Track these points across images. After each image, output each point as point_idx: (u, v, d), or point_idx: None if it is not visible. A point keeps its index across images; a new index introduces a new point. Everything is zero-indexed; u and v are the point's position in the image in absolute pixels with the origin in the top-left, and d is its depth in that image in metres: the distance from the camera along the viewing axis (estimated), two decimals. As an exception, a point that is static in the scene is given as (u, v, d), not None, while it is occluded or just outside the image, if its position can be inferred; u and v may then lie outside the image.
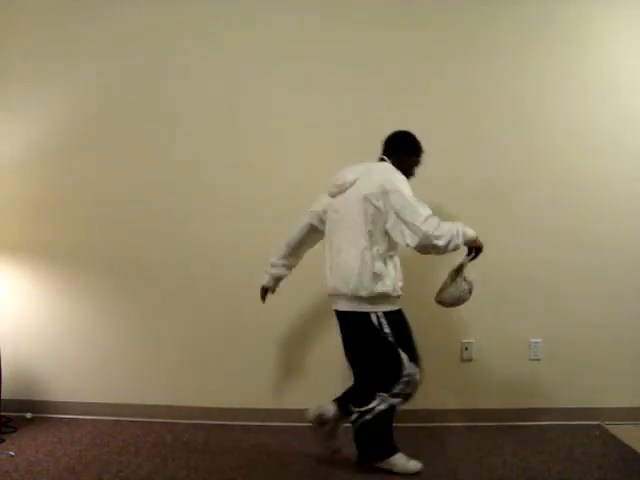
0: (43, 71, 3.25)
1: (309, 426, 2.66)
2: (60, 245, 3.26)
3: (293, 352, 3.21)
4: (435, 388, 3.23)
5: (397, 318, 2.56)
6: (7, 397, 3.08)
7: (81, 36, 3.24)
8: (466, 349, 3.25)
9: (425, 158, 3.23)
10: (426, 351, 3.22)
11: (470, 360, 3.25)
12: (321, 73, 3.20)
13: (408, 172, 2.64)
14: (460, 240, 2.48)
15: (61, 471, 2.61)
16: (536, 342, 3.24)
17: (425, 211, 2.46)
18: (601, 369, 3.24)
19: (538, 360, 3.25)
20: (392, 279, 2.52)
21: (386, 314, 2.52)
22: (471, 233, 2.53)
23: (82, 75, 3.24)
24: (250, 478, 2.60)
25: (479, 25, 3.21)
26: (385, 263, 2.50)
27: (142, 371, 3.27)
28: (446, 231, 2.44)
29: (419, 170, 2.77)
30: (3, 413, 3.06)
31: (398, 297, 2.58)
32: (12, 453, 2.78)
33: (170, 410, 3.23)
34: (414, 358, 2.58)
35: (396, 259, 2.60)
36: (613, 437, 3.04)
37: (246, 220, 3.21)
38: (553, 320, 3.24)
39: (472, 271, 2.61)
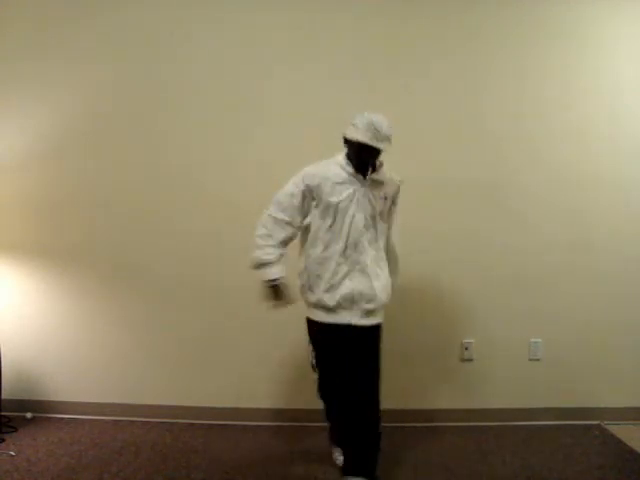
0: (44, 71, 3.24)
1: None
2: (61, 245, 3.26)
3: (293, 352, 3.21)
4: (435, 388, 3.24)
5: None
6: (7, 397, 3.09)
7: (81, 37, 3.24)
8: (466, 349, 3.25)
9: (425, 158, 3.25)
10: (426, 351, 3.25)
11: (470, 360, 3.25)
12: (321, 73, 3.20)
13: (355, 161, 2.38)
14: (252, 261, 2.44)
15: (61, 471, 2.61)
16: (536, 342, 3.25)
17: (267, 211, 2.45)
18: (601, 369, 3.24)
19: (538, 360, 3.25)
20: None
21: None
22: (265, 274, 2.40)
23: (83, 75, 3.24)
24: (250, 478, 2.60)
25: (479, 25, 3.21)
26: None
27: (142, 371, 3.27)
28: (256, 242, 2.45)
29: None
30: (3, 413, 3.06)
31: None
32: (12, 453, 2.78)
33: (170, 410, 3.23)
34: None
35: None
36: (613, 437, 3.04)
37: (246, 221, 3.20)
38: (553, 320, 3.24)
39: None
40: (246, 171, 3.22)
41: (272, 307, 2.45)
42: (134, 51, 3.24)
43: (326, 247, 2.38)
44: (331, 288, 2.37)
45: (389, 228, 2.52)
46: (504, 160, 3.22)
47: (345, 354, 2.36)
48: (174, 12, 3.22)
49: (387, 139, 2.32)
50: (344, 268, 2.36)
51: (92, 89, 3.24)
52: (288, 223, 2.42)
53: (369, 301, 2.37)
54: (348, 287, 2.36)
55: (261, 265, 2.42)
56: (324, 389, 2.53)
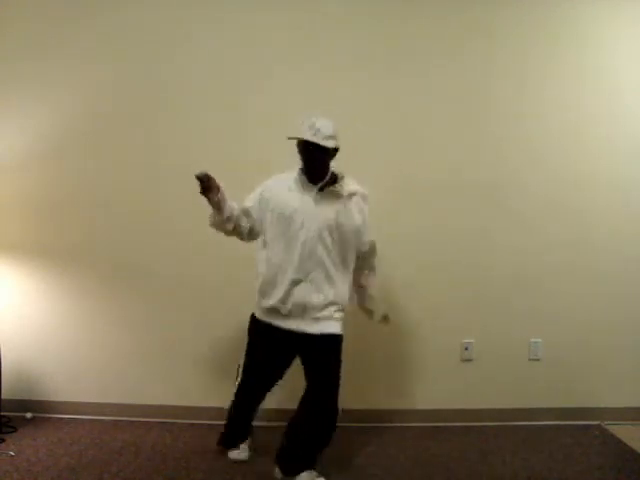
0: (44, 71, 3.24)
1: None
2: (61, 245, 3.25)
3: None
4: (435, 388, 3.24)
5: None
6: (7, 397, 3.08)
7: (81, 37, 3.23)
8: (466, 349, 3.25)
9: (425, 159, 3.25)
10: (426, 351, 3.25)
11: (470, 360, 3.25)
12: (320, 74, 3.20)
13: (304, 165, 2.44)
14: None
15: (61, 471, 2.61)
16: (536, 342, 3.25)
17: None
18: (601, 369, 3.24)
19: (538, 360, 3.25)
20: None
21: None
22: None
23: (83, 75, 3.24)
24: (250, 478, 2.60)
25: (478, 25, 3.20)
26: None
27: (142, 371, 3.26)
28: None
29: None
30: (3, 413, 3.05)
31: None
32: (12, 453, 2.77)
33: (170, 410, 3.23)
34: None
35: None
36: (613, 437, 3.04)
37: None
38: (553, 320, 3.24)
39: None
40: (246, 171, 3.21)
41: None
42: (134, 51, 3.23)
43: (280, 255, 2.42)
44: (284, 295, 2.42)
45: (357, 238, 2.48)
46: (504, 160, 3.22)
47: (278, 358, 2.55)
48: (174, 12, 3.22)
49: (330, 138, 2.33)
50: (296, 277, 2.39)
51: (92, 89, 3.24)
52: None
53: (318, 310, 2.41)
54: (298, 296, 2.40)
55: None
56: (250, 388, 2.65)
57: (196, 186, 2.35)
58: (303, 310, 2.40)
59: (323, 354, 2.43)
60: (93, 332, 3.27)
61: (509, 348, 3.24)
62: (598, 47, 3.23)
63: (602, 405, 3.23)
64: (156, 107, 3.24)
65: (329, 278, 2.42)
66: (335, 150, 2.40)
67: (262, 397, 2.70)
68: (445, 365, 3.24)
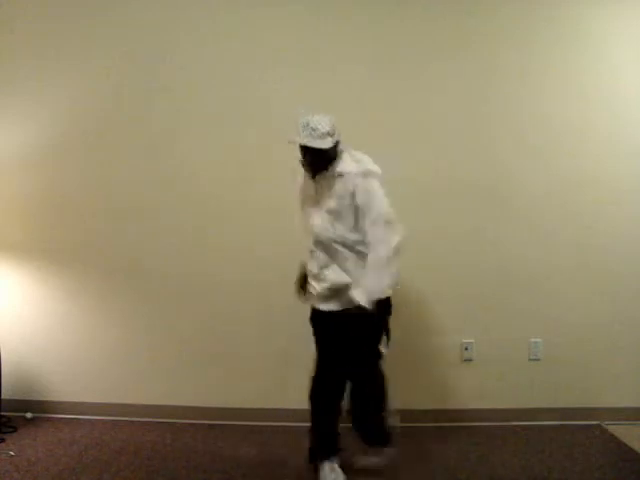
0: (43, 71, 3.24)
1: None
2: (61, 245, 3.26)
3: (293, 352, 3.21)
4: (435, 388, 3.24)
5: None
6: (7, 397, 3.09)
7: (83, 38, 3.24)
8: (466, 349, 3.25)
9: (425, 159, 3.26)
10: (426, 351, 3.25)
11: (470, 360, 3.25)
12: (320, 73, 3.20)
13: (304, 163, 2.45)
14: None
15: (61, 471, 2.61)
16: (536, 342, 3.25)
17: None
18: (601, 369, 3.24)
19: (538, 360, 3.25)
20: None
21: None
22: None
23: (84, 76, 3.24)
24: (250, 478, 2.60)
25: (478, 25, 3.20)
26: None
27: (142, 371, 3.27)
28: None
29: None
30: (3, 413, 3.06)
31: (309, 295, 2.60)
32: (12, 453, 2.78)
33: (170, 410, 3.23)
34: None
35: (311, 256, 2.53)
36: (613, 437, 3.04)
37: (247, 221, 3.21)
38: (553, 320, 3.24)
39: None
40: (246, 169, 3.22)
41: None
42: (134, 51, 3.23)
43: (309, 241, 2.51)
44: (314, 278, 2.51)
45: (359, 222, 2.39)
46: (504, 160, 3.22)
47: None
48: (174, 12, 3.22)
49: (326, 135, 2.30)
50: (318, 260, 2.47)
51: (92, 89, 3.24)
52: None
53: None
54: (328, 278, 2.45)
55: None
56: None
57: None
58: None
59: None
60: (93, 332, 3.28)
61: (509, 348, 3.24)
62: (599, 47, 3.22)
63: (602, 405, 3.22)
64: (156, 107, 3.24)
65: (330, 265, 2.48)
66: (334, 145, 2.35)
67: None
68: (445, 365, 3.24)
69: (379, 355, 2.54)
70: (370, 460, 2.60)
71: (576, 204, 3.23)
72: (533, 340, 3.25)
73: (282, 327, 3.20)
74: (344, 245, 2.42)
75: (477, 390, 3.24)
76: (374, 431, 2.57)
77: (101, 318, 3.28)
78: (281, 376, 3.22)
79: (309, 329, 2.59)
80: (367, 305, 2.31)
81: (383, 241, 2.32)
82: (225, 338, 3.24)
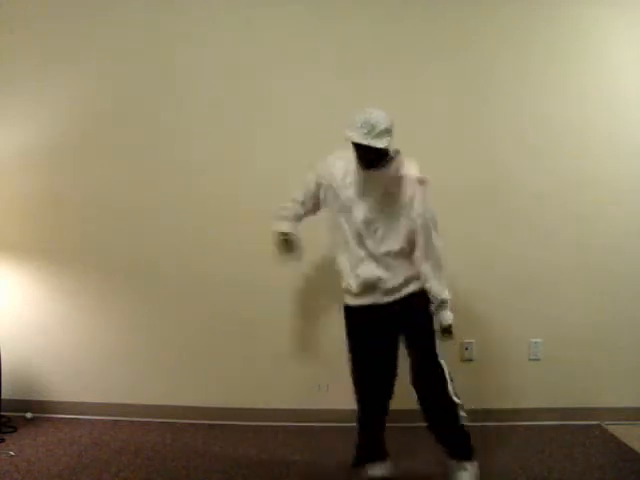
0: (43, 71, 3.24)
1: None
2: (61, 245, 3.26)
3: (293, 352, 3.21)
4: (435, 388, 3.23)
5: (345, 315, 2.53)
6: (7, 397, 3.08)
7: (83, 38, 3.24)
8: (466, 349, 3.25)
9: (425, 159, 3.25)
10: (426, 351, 3.24)
11: (470, 360, 3.25)
12: (320, 74, 3.20)
13: (357, 160, 2.36)
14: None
15: (61, 471, 2.61)
16: (536, 342, 3.24)
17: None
18: (601, 369, 3.24)
19: (538, 360, 3.25)
20: (344, 274, 2.47)
21: (343, 308, 2.52)
22: (276, 225, 2.55)
23: (84, 75, 3.24)
24: (250, 478, 2.60)
25: (478, 24, 3.20)
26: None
27: (142, 371, 3.27)
28: None
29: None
30: (3, 413, 3.06)
31: (349, 293, 2.47)
32: (12, 453, 2.78)
33: (170, 410, 3.23)
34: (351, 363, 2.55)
35: (348, 255, 2.44)
36: (613, 437, 3.04)
37: (247, 220, 3.20)
38: (553, 320, 3.23)
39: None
40: (247, 168, 3.22)
41: (283, 260, 2.57)
42: (135, 51, 3.23)
43: (346, 236, 2.42)
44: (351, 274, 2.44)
45: (412, 231, 2.39)
46: (504, 160, 3.22)
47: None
48: (174, 11, 3.22)
49: (384, 133, 2.24)
50: (356, 256, 2.41)
51: (92, 89, 3.24)
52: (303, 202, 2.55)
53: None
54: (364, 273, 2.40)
55: (276, 218, 2.54)
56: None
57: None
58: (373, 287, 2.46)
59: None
60: (93, 332, 3.28)
61: (509, 348, 3.24)
62: (599, 47, 3.22)
63: (602, 405, 3.22)
64: (156, 107, 3.24)
65: (369, 263, 2.43)
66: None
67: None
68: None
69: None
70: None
71: (576, 204, 3.22)
72: (533, 340, 3.25)
73: (282, 327, 3.20)
74: (376, 245, 2.39)
75: (477, 390, 3.24)
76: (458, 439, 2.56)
77: (101, 318, 3.28)
78: (281, 376, 3.22)
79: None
80: (447, 297, 2.41)
81: (438, 247, 2.41)
82: (225, 338, 3.24)
